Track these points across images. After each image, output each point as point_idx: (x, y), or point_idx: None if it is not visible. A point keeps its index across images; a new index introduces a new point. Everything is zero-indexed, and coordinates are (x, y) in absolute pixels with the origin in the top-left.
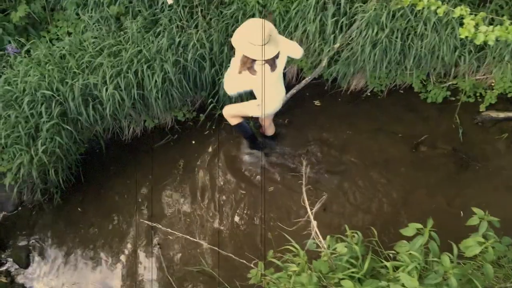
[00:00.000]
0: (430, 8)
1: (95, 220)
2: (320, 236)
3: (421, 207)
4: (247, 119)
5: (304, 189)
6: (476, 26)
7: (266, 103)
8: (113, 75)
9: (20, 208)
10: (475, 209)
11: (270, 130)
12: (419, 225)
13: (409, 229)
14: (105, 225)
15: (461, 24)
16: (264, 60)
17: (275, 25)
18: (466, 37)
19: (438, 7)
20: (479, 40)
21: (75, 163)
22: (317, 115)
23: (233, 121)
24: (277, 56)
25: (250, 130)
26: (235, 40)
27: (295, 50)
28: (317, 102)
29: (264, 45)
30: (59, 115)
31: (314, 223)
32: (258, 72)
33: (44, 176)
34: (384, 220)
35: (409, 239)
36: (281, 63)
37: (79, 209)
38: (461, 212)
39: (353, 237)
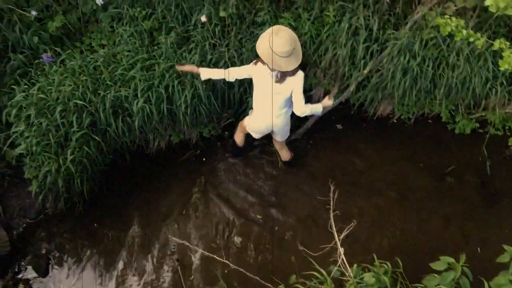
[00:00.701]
0: (464, 39)
1: (116, 231)
2: (347, 264)
3: (445, 239)
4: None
5: (331, 214)
6: None
7: (258, 115)
8: (144, 88)
9: (42, 216)
10: (506, 247)
11: (283, 154)
12: (451, 259)
13: (440, 263)
14: (125, 237)
15: (495, 56)
16: (278, 70)
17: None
18: (499, 69)
19: (477, 39)
20: None
21: (99, 174)
22: (341, 139)
23: (235, 135)
24: (290, 74)
25: (236, 148)
26: (259, 44)
27: (298, 102)
28: (339, 126)
29: (285, 57)
30: (89, 125)
31: (341, 250)
32: (265, 73)
33: (68, 185)
34: (408, 250)
35: (438, 272)
36: (286, 88)
37: (100, 219)
38: (479, 248)
39: (381, 267)
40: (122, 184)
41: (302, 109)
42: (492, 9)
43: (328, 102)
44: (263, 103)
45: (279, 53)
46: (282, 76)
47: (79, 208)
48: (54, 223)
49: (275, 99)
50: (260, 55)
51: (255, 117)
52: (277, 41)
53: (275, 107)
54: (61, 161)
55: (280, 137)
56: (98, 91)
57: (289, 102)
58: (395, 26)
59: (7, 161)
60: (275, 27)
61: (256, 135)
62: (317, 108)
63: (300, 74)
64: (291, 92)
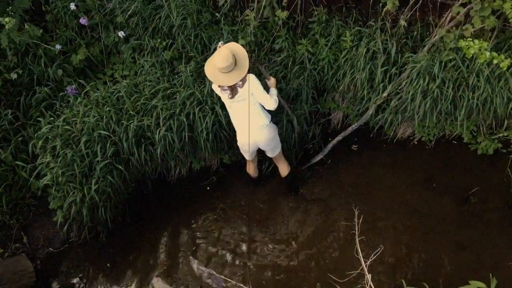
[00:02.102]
0: (482, 60)
1: (140, 261)
2: None
3: (471, 263)
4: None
5: (357, 239)
6: None
7: (240, 133)
8: (166, 117)
9: (66, 245)
10: None
11: (282, 169)
12: (482, 284)
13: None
14: (149, 266)
15: None
16: (224, 86)
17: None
18: None
19: (501, 61)
20: None
21: (122, 203)
22: (360, 163)
23: (246, 167)
24: (239, 85)
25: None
26: (206, 64)
27: (265, 101)
28: (354, 147)
29: (226, 72)
30: (112, 155)
31: (368, 276)
32: (222, 92)
33: (92, 214)
34: (433, 274)
35: None
36: (246, 94)
37: (123, 249)
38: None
39: None
40: (145, 213)
41: (271, 102)
42: None
43: (270, 81)
44: (239, 118)
45: (218, 68)
46: (234, 90)
47: (102, 237)
48: (78, 253)
49: (244, 106)
50: (207, 75)
51: (238, 137)
52: (216, 58)
53: (253, 116)
54: (85, 190)
55: (271, 153)
56: (121, 121)
57: (263, 108)
58: (413, 49)
59: (33, 192)
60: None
61: (246, 155)
62: (274, 90)
63: (251, 76)
64: (253, 94)
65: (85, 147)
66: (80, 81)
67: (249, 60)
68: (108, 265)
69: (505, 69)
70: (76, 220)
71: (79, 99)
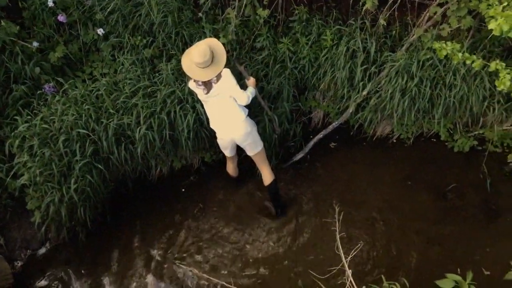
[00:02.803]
0: (456, 61)
1: (119, 260)
2: (355, 286)
3: (449, 257)
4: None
5: (338, 236)
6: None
7: (218, 129)
8: (147, 115)
9: (44, 246)
10: None
11: (264, 176)
12: (457, 277)
13: (447, 281)
14: (130, 266)
15: (491, 75)
16: (200, 81)
17: (246, 72)
18: (495, 87)
19: (473, 61)
20: None
21: (102, 202)
22: (340, 161)
23: (226, 167)
24: (214, 81)
25: (231, 179)
26: (182, 58)
27: (237, 95)
28: (332, 144)
29: (203, 67)
30: (92, 154)
31: (349, 272)
32: (197, 87)
33: (71, 214)
34: (412, 269)
35: None
36: (220, 89)
37: (103, 249)
38: (483, 269)
39: None
40: (125, 212)
41: (243, 97)
42: (496, 33)
43: (250, 81)
44: (215, 114)
45: (195, 63)
46: (208, 85)
47: (81, 237)
48: (57, 254)
49: (219, 101)
50: (183, 68)
51: (217, 133)
52: (194, 52)
53: (228, 111)
54: (64, 190)
55: (250, 150)
56: (101, 120)
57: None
58: (391, 48)
59: (9, 192)
60: (203, 40)
61: (226, 152)
62: (252, 89)
63: (226, 71)
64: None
65: (63, 146)
66: (58, 79)
67: (229, 58)
68: (87, 266)
69: (477, 68)
70: (54, 220)
71: (57, 97)
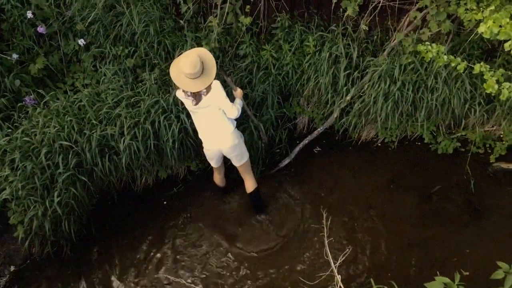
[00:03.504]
0: (440, 63)
1: (105, 275)
2: None
3: (436, 258)
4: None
5: (326, 241)
6: (498, 82)
7: (205, 140)
8: (130, 125)
9: (28, 261)
10: (500, 263)
11: (247, 184)
12: (446, 279)
13: (436, 283)
14: (115, 278)
15: (472, 78)
16: (189, 92)
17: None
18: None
19: (458, 64)
20: (504, 96)
21: (86, 215)
22: (325, 166)
23: (213, 177)
24: (204, 93)
25: (219, 189)
26: (171, 66)
27: (226, 108)
28: (316, 149)
29: (192, 78)
30: (75, 166)
31: (338, 277)
32: (185, 97)
33: (55, 228)
34: (401, 271)
35: None
36: (210, 101)
37: (88, 262)
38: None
39: None
40: (110, 224)
41: (233, 110)
42: (486, 35)
43: (236, 92)
44: (202, 125)
45: (184, 74)
46: (197, 97)
47: (66, 251)
48: (41, 269)
49: (208, 113)
50: (171, 77)
51: (204, 144)
52: (183, 62)
53: (215, 123)
54: (47, 204)
55: (236, 161)
56: (84, 131)
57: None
58: (373, 53)
59: None
60: (193, 49)
61: (212, 162)
62: (239, 101)
63: (216, 83)
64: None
65: (45, 159)
66: (39, 91)
67: (218, 70)
68: (73, 280)
69: (461, 71)
70: (38, 234)
71: (38, 110)
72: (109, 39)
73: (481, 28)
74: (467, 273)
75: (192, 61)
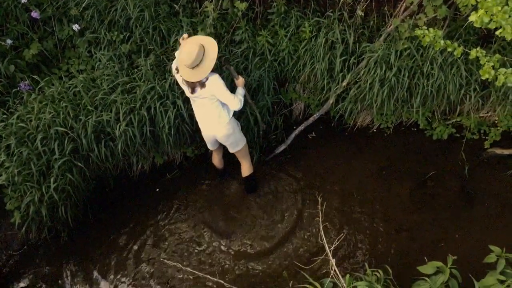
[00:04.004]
0: (437, 48)
1: (102, 260)
2: (339, 275)
3: (431, 242)
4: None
5: (321, 226)
6: (494, 68)
7: (200, 124)
8: (126, 111)
9: (26, 247)
10: (492, 247)
11: (243, 168)
12: (439, 263)
13: (428, 267)
14: (113, 264)
15: (467, 63)
16: (186, 80)
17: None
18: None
19: (454, 49)
20: (500, 82)
21: (83, 200)
22: (322, 152)
23: (211, 158)
24: (198, 85)
25: (217, 171)
26: (179, 49)
27: (228, 101)
28: (310, 135)
29: (190, 68)
30: (71, 152)
31: (333, 261)
32: (182, 83)
33: (52, 213)
34: (396, 255)
35: (426, 276)
36: (206, 93)
37: (86, 247)
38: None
39: (373, 275)
40: (107, 210)
41: (235, 102)
42: (477, 24)
43: (238, 80)
44: (200, 114)
45: (183, 63)
46: (192, 87)
47: (64, 236)
48: (38, 254)
49: (205, 104)
50: (177, 64)
51: (201, 129)
52: (183, 51)
53: (211, 114)
54: (44, 189)
55: (231, 148)
56: (79, 117)
57: (225, 106)
58: (369, 39)
59: None
60: (196, 36)
61: (209, 145)
62: (241, 90)
63: (213, 78)
64: (215, 95)
65: (41, 145)
66: (33, 76)
67: (219, 59)
68: (70, 265)
69: (458, 56)
70: (35, 220)
71: (33, 95)
72: (103, 24)
73: (472, 17)
74: (455, 257)
75: (190, 51)
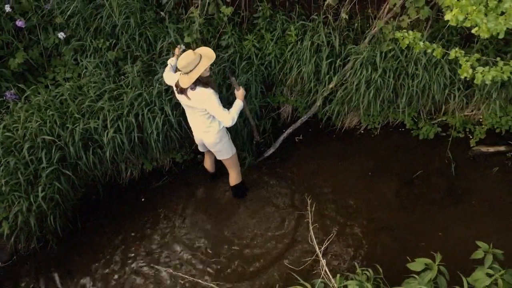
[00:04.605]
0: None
1: (92, 269)
2: (330, 275)
3: (419, 240)
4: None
5: (311, 227)
6: (472, 67)
7: (194, 129)
8: (114, 118)
9: (15, 258)
10: (479, 243)
11: (230, 178)
12: (427, 260)
13: (417, 264)
14: (102, 273)
15: (451, 63)
16: (176, 85)
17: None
18: (455, 75)
19: (434, 50)
20: (478, 80)
21: (71, 209)
22: (310, 154)
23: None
24: (185, 90)
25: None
26: None
27: (221, 118)
28: (297, 138)
29: (183, 73)
30: (59, 160)
31: (323, 262)
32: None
33: (41, 223)
34: (385, 254)
35: (416, 274)
36: (196, 102)
37: (75, 257)
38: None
39: (363, 275)
40: (96, 218)
41: (227, 119)
42: (453, 23)
43: (238, 92)
44: (191, 120)
45: (179, 66)
46: (180, 90)
47: (53, 246)
48: (28, 264)
49: (193, 112)
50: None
51: (191, 128)
52: (181, 57)
53: (199, 122)
54: (32, 199)
55: (218, 155)
56: (66, 125)
57: (214, 118)
58: (355, 41)
59: None
60: (202, 48)
61: (199, 147)
62: (238, 105)
63: (208, 94)
64: (206, 109)
65: (28, 154)
66: (19, 85)
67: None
68: (59, 275)
69: (439, 57)
70: (23, 230)
71: (19, 104)
72: (89, 32)
73: (447, 16)
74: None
75: (186, 56)
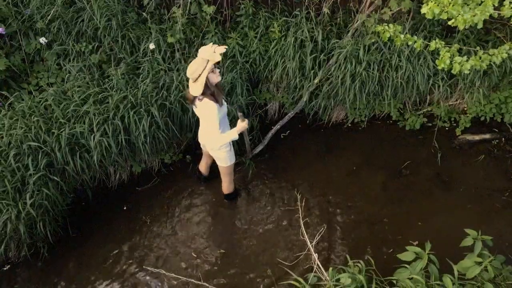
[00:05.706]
0: (398, 43)
1: (85, 274)
2: (322, 268)
3: (408, 229)
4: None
5: (301, 222)
6: (451, 57)
7: (199, 129)
8: (100, 122)
9: (5, 267)
10: (468, 230)
11: (222, 186)
12: (418, 249)
13: (408, 254)
14: (94, 279)
15: (434, 54)
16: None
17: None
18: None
19: (414, 42)
20: (455, 70)
21: (61, 215)
22: (298, 149)
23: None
24: (194, 99)
25: (201, 177)
26: None
27: (212, 133)
28: (283, 135)
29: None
30: (46, 166)
31: (315, 256)
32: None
33: (31, 230)
34: (376, 245)
35: (407, 264)
36: (199, 112)
37: (66, 263)
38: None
39: (355, 267)
40: (87, 223)
41: (216, 139)
42: (429, 16)
43: (242, 124)
44: (199, 120)
45: (187, 75)
46: (192, 98)
47: (44, 253)
48: (19, 273)
49: (201, 118)
50: None
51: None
52: (189, 64)
53: (204, 127)
54: (20, 206)
55: (216, 160)
56: (52, 130)
57: (220, 127)
58: (338, 35)
59: None
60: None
61: (201, 145)
62: (232, 135)
63: (208, 109)
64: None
65: (15, 161)
66: (2, 92)
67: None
68: (51, 282)
69: (419, 49)
70: (13, 238)
71: (3, 112)
72: (71, 36)
73: (424, 10)
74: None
75: (191, 63)
